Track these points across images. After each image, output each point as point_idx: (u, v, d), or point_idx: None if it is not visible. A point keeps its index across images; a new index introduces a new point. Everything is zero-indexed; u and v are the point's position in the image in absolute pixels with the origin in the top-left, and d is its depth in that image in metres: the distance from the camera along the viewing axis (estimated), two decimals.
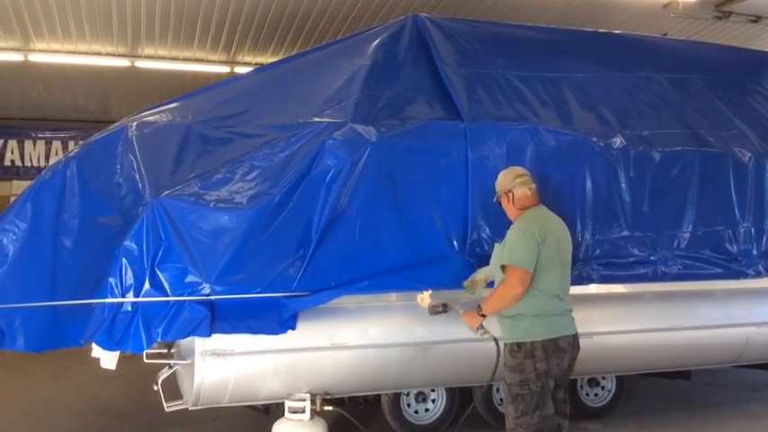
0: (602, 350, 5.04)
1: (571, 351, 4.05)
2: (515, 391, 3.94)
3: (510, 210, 4.22)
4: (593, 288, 5.03)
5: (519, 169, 4.29)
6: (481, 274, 4.50)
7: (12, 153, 14.62)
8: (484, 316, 4.04)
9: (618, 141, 5.12)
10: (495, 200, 4.35)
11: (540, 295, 3.96)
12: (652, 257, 5.13)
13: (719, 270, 5.33)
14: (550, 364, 3.93)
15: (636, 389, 6.40)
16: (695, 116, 5.64)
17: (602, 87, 5.53)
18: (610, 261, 5.03)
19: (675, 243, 5.23)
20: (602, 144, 5.07)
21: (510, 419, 3.99)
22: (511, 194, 4.18)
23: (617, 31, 6.66)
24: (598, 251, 5.01)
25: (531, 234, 3.94)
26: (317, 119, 4.59)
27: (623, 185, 5.10)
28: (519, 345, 3.96)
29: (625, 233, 5.08)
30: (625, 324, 5.16)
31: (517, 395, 3.93)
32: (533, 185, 4.20)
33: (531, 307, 3.96)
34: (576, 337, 4.10)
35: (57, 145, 14.77)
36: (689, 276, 5.25)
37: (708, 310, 5.49)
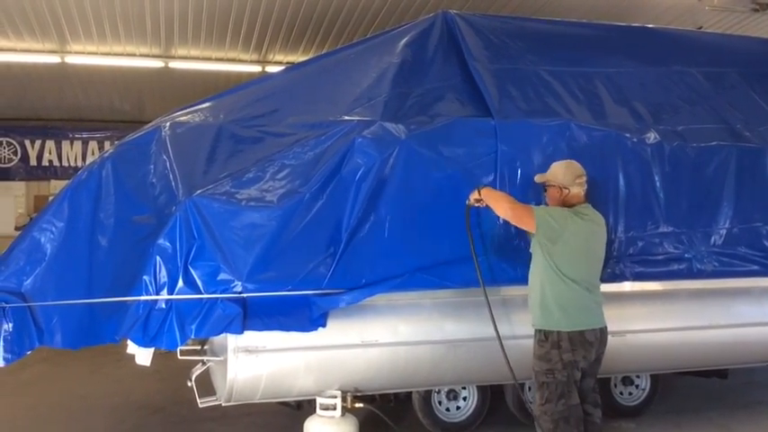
0: (637, 348, 4.99)
1: (598, 344, 4.14)
2: (541, 379, 4.10)
3: (556, 201, 4.28)
4: (626, 286, 4.97)
5: (579, 168, 4.30)
6: None
7: (50, 153, 14.93)
8: (480, 200, 4.33)
9: (652, 137, 5.05)
10: (540, 182, 4.38)
11: (570, 284, 4.04)
12: (687, 254, 5.05)
13: (756, 267, 5.22)
14: (576, 356, 4.05)
15: (671, 388, 6.30)
16: (731, 110, 5.53)
17: (635, 82, 5.45)
18: (644, 258, 4.96)
19: (711, 240, 5.14)
20: (635, 140, 5.00)
21: (536, 406, 4.15)
22: (566, 191, 4.22)
23: (651, 25, 6.56)
24: (632, 248, 4.95)
25: (565, 217, 4.06)
26: (346, 117, 4.60)
27: (657, 181, 5.02)
28: (546, 335, 4.08)
29: (659, 230, 5.00)
30: (660, 322, 5.09)
31: (543, 383, 4.09)
32: (586, 186, 4.28)
33: (560, 297, 4.06)
34: (603, 330, 4.17)
35: (93, 145, 15.05)
36: (725, 273, 5.15)
37: (744, 308, 5.37)
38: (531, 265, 4.25)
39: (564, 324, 4.04)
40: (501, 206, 4.22)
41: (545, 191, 4.42)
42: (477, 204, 4.39)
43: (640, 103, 5.29)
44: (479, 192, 4.34)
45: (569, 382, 4.06)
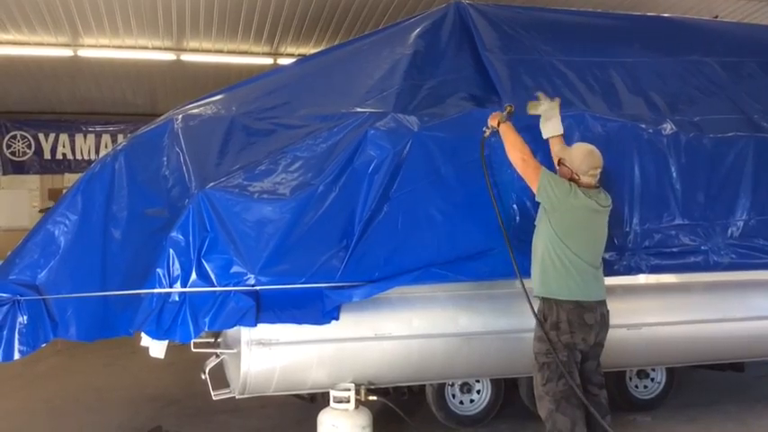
0: (652, 341, 4.95)
1: (598, 328, 4.14)
2: (542, 359, 4.12)
3: (564, 176, 4.25)
4: (642, 278, 4.92)
5: (598, 160, 4.23)
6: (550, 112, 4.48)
7: (63, 147, 15.00)
8: (496, 129, 4.33)
9: (668, 128, 4.99)
10: (559, 155, 4.35)
11: (570, 255, 4.06)
12: (703, 247, 5.00)
13: None
14: (575, 338, 4.07)
15: (687, 381, 6.25)
16: (748, 101, 5.46)
17: (651, 72, 5.38)
18: (659, 250, 4.92)
19: (728, 232, 5.08)
20: (651, 130, 4.95)
21: (538, 388, 4.17)
22: (576, 176, 4.20)
23: (666, 15, 6.48)
24: (647, 241, 4.90)
25: (569, 190, 4.06)
26: (359, 109, 4.57)
27: (673, 173, 4.97)
28: (545, 315, 4.11)
29: (675, 222, 4.95)
30: (675, 315, 5.04)
31: (543, 364, 4.11)
32: (599, 177, 4.25)
33: (560, 265, 4.08)
34: (604, 315, 4.17)
35: (106, 138, 15.11)
36: (742, 266, 5.09)
37: (761, 301, 5.31)
38: (535, 234, 4.26)
39: (562, 293, 4.06)
40: (514, 153, 4.21)
41: (559, 163, 4.37)
42: (493, 128, 4.33)
43: (656, 93, 5.23)
44: (499, 123, 4.29)
45: (570, 362, 4.07)
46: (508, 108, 4.38)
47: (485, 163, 4.39)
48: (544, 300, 4.16)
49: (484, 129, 4.40)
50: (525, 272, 4.53)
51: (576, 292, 4.07)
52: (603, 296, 4.19)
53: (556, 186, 4.09)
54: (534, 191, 4.15)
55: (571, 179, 4.21)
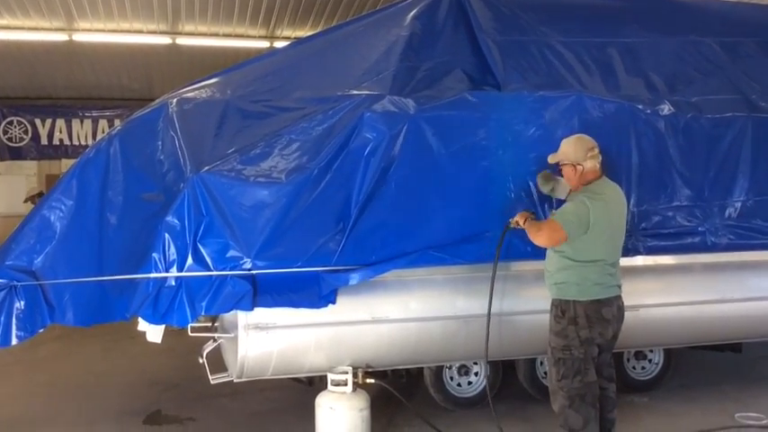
0: (650, 323, 4.96)
1: (615, 322, 4.11)
2: (558, 355, 4.08)
3: (573, 180, 4.19)
4: (639, 260, 4.92)
5: (590, 141, 4.18)
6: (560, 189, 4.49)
7: (60, 132, 14.96)
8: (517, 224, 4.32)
9: (666, 108, 4.96)
10: (552, 162, 4.29)
11: (590, 264, 4.03)
12: (701, 228, 5.00)
13: None
14: (593, 333, 4.03)
15: (684, 362, 6.27)
16: (747, 81, 5.42)
17: (649, 53, 5.33)
18: (657, 232, 4.92)
19: (726, 213, 5.08)
20: (649, 111, 4.92)
21: (552, 382, 4.14)
22: (580, 167, 4.12)
23: None
24: (645, 222, 4.90)
25: (587, 209, 3.97)
26: (354, 91, 4.53)
27: (671, 154, 4.95)
28: (563, 311, 4.05)
29: (673, 203, 4.95)
30: (673, 296, 5.05)
31: (559, 359, 4.07)
32: (600, 157, 4.17)
33: (579, 275, 4.03)
34: (620, 307, 4.15)
35: (103, 123, 15.07)
36: (740, 247, 5.10)
37: (759, 281, 5.33)
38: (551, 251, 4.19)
39: (580, 295, 4.02)
40: (540, 236, 4.11)
41: (560, 172, 4.32)
42: (517, 224, 4.32)
43: (654, 73, 5.19)
44: (524, 219, 4.26)
45: (587, 358, 4.04)
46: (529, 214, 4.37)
47: (499, 253, 4.41)
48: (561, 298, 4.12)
49: (509, 221, 4.38)
50: (521, 254, 4.54)
51: (594, 291, 4.03)
52: (620, 291, 4.16)
53: (575, 215, 4.00)
54: (568, 240, 4.01)
55: (579, 177, 4.13)
